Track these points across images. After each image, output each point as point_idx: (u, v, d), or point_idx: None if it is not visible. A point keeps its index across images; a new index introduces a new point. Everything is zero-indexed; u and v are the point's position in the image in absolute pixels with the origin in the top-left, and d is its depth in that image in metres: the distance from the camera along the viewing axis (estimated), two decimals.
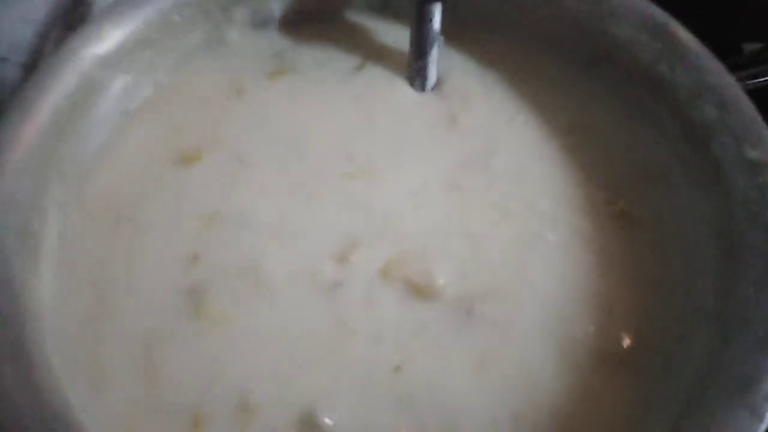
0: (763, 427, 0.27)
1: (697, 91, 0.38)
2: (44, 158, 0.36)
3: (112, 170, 0.39)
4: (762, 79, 0.48)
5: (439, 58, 0.42)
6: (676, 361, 0.32)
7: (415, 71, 0.43)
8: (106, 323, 0.34)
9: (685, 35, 0.38)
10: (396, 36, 0.44)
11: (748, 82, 0.46)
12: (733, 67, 0.38)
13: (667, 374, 0.32)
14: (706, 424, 0.27)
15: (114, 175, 0.39)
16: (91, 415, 0.30)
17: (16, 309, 0.30)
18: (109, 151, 0.40)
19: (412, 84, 0.43)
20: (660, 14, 0.39)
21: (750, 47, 0.50)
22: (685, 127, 0.38)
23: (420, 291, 0.35)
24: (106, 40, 0.39)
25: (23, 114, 0.36)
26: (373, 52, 0.44)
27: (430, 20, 0.41)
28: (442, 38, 0.42)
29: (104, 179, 0.39)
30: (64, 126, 0.37)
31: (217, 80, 0.43)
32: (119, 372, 0.33)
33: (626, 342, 0.34)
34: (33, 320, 0.32)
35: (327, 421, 0.31)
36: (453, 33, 0.43)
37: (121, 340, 0.34)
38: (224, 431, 0.31)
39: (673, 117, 0.39)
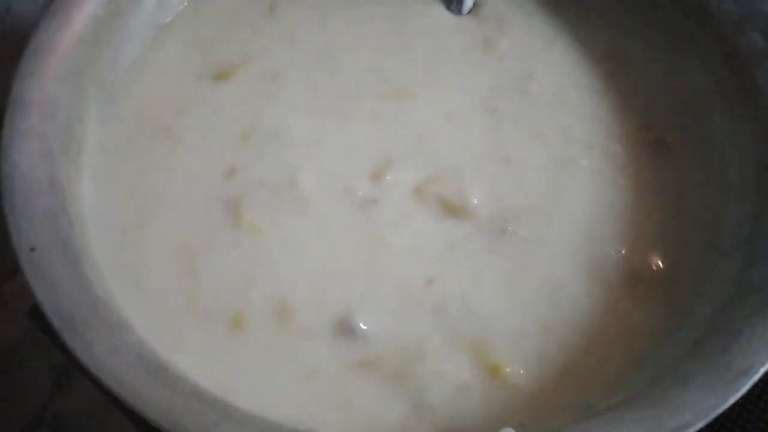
0: None
1: (743, 17, 0.39)
2: (82, 66, 0.38)
3: (148, 84, 0.41)
4: None
5: None
6: (706, 283, 0.34)
7: None
8: (146, 231, 0.37)
9: None
10: None
11: None
12: None
13: (696, 294, 0.34)
14: (734, 336, 0.30)
15: (150, 88, 0.41)
16: (133, 311, 0.33)
17: (64, 208, 0.33)
18: (144, 65, 0.42)
19: (448, 6, 0.45)
20: None
21: None
22: (728, 55, 0.39)
23: (453, 209, 0.37)
24: None
25: (62, 21, 0.38)
26: None
27: None
28: None
29: (140, 92, 0.41)
30: (100, 35, 0.39)
31: None
32: (161, 276, 0.35)
33: (657, 264, 0.36)
34: (79, 221, 0.34)
35: (362, 326, 0.34)
36: None
37: (162, 248, 0.36)
38: (264, 331, 0.34)
39: (716, 44, 0.40)
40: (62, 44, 0.37)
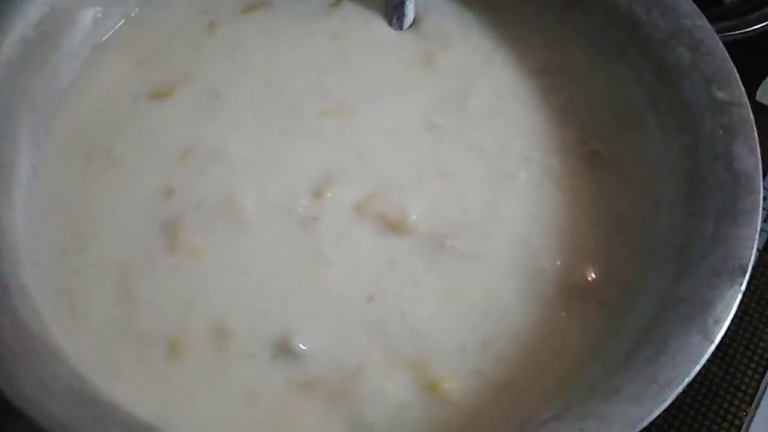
0: (712, 347, 0.30)
1: (671, 34, 0.40)
2: (14, 90, 0.37)
3: (84, 104, 0.40)
4: (741, 31, 0.50)
5: None
6: (638, 293, 0.35)
7: (392, 9, 0.44)
8: (81, 255, 0.36)
9: None
10: None
11: (727, 34, 0.48)
12: (713, 19, 0.40)
13: (630, 305, 0.35)
14: (660, 347, 0.30)
15: (86, 108, 0.40)
16: (68, 341, 0.32)
17: None
18: (80, 85, 0.41)
19: (389, 22, 0.45)
20: None
21: None
22: (659, 68, 0.40)
23: (393, 226, 0.37)
24: None
25: None
26: None
27: None
28: None
29: (76, 112, 0.40)
30: (33, 58, 0.38)
31: (188, 14, 0.44)
32: (96, 302, 0.35)
33: (592, 276, 0.36)
34: (8, 250, 0.33)
35: (301, 346, 0.34)
36: None
37: (97, 272, 0.36)
38: (202, 356, 0.33)
39: (647, 59, 0.41)
40: None
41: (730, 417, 0.44)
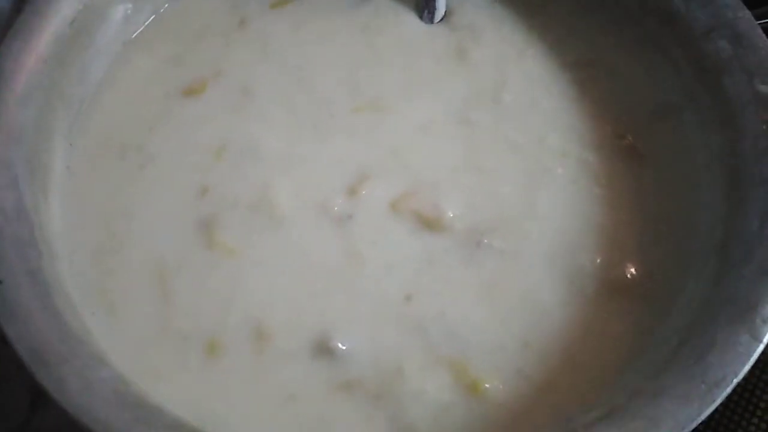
0: (761, 347, 0.29)
1: (711, 26, 0.39)
2: (48, 87, 0.37)
3: (116, 101, 0.40)
4: None
5: None
6: (680, 291, 0.35)
7: (423, 2, 0.44)
8: (118, 255, 0.36)
9: None
10: None
11: (759, 22, 0.47)
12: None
13: (672, 303, 0.34)
14: (708, 346, 0.30)
15: (118, 105, 0.40)
16: (108, 341, 0.32)
17: (32, 237, 0.32)
18: (112, 81, 0.41)
19: (420, 15, 0.44)
20: None
21: None
22: (698, 61, 0.39)
23: (430, 223, 0.37)
24: None
25: (25, 42, 0.37)
26: None
27: None
28: None
29: (108, 110, 0.40)
30: (66, 55, 0.38)
31: (217, 10, 0.44)
32: (133, 301, 0.35)
33: (632, 273, 0.36)
34: (48, 250, 0.33)
35: (340, 346, 0.33)
36: None
37: (134, 271, 0.36)
38: (240, 356, 0.33)
39: (685, 51, 0.40)
40: (26, 66, 0.36)
41: (764, 416, 0.43)
